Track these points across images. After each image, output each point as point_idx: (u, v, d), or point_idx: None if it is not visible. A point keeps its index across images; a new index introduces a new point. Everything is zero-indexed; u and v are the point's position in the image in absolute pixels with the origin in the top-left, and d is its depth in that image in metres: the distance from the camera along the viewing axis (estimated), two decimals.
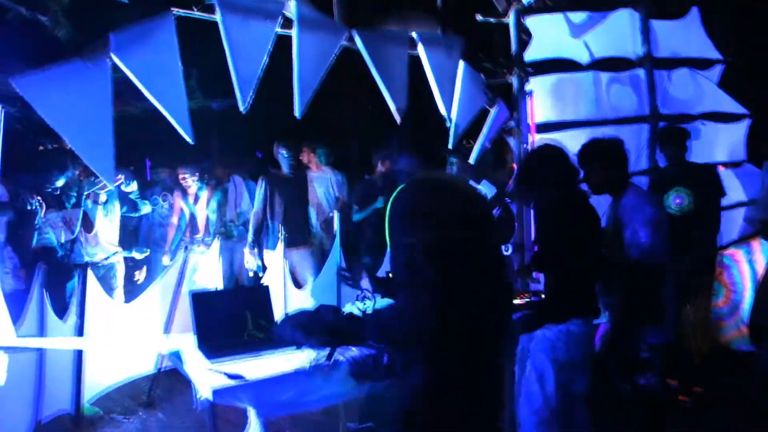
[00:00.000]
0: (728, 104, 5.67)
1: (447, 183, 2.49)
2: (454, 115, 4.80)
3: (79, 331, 3.99)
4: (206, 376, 2.87)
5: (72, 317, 3.98)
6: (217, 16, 3.47)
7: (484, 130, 5.25)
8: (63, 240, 4.58)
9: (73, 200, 4.62)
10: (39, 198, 4.31)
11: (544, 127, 5.34)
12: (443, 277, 2.27)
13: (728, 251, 5.27)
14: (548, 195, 3.31)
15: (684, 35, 5.70)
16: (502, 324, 2.47)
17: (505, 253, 4.83)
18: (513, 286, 3.01)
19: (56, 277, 4.15)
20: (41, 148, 4.81)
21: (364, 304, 3.58)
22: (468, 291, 2.30)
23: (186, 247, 4.73)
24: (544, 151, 3.52)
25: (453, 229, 2.30)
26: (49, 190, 4.45)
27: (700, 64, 5.70)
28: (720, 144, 5.73)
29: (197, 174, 5.84)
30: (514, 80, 5.28)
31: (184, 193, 6.00)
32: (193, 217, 6.01)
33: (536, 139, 5.28)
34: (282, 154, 5.42)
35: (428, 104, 4.74)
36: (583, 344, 3.12)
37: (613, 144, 3.50)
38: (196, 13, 3.61)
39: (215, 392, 2.75)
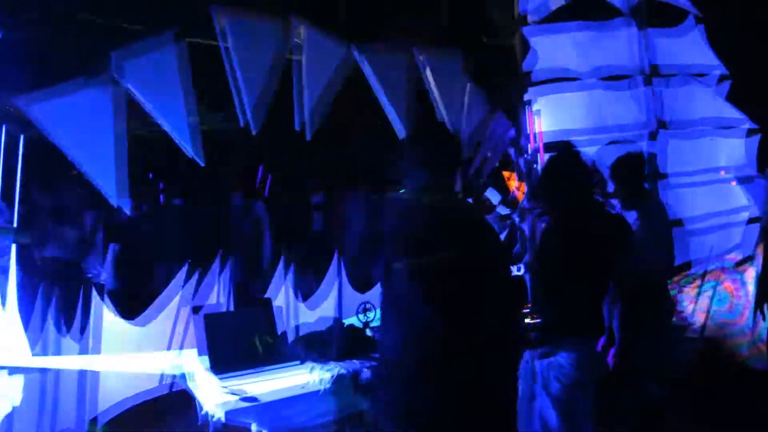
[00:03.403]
0: (732, 115, 5.70)
1: (422, 205, 2.44)
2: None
3: (87, 350, 4.01)
4: (217, 396, 2.91)
5: (84, 335, 4.01)
6: (228, 41, 3.53)
7: (485, 144, 5.28)
8: (72, 259, 4.62)
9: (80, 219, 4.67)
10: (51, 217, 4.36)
11: (549, 142, 5.37)
12: (414, 299, 2.28)
13: (730, 257, 5.32)
14: (558, 208, 3.24)
15: (684, 46, 5.74)
16: (492, 346, 2.39)
17: (517, 273, 4.81)
18: (514, 306, 2.87)
19: (67, 296, 4.19)
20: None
21: (366, 315, 3.63)
22: (441, 314, 2.28)
23: (195, 266, 4.74)
24: (553, 163, 3.41)
25: (419, 252, 2.28)
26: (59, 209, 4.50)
27: (701, 74, 5.74)
28: (724, 153, 5.76)
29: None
30: (515, 94, 5.33)
31: None
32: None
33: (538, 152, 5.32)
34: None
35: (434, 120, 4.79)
36: (575, 375, 3.02)
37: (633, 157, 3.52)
38: (199, 38, 3.68)
39: (228, 413, 2.78)
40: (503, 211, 5.11)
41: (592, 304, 3.12)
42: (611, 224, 3.20)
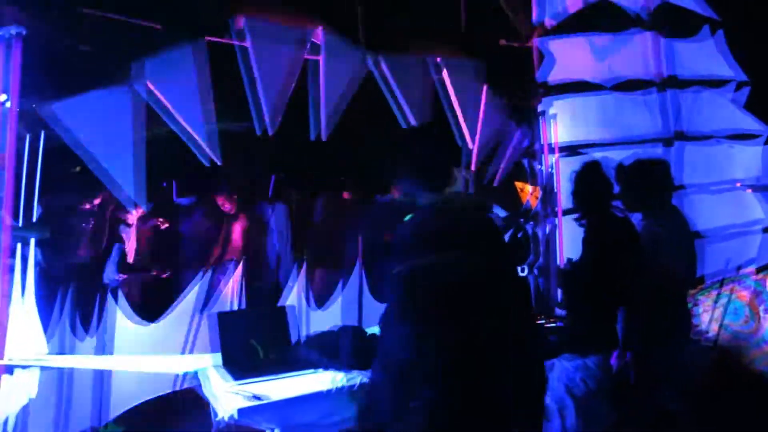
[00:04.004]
0: (751, 124, 5.67)
1: (450, 212, 2.39)
2: (476, 138, 4.87)
3: (101, 350, 4.05)
4: (230, 396, 2.92)
5: (95, 336, 4.04)
6: (247, 43, 3.59)
7: (502, 152, 5.30)
8: (90, 260, 4.68)
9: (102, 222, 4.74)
10: (72, 219, 4.43)
11: (564, 149, 5.37)
12: (433, 308, 2.21)
13: (746, 271, 5.27)
14: (590, 217, 3.27)
15: (703, 55, 5.70)
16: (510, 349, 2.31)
17: (521, 274, 4.83)
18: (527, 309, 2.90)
19: (85, 296, 4.23)
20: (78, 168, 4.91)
21: None
22: (460, 320, 2.22)
23: (213, 268, 4.77)
24: (582, 172, 3.42)
25: (445, 261, 2.23)
26: (80, 211, 4.57)
27: (720, 83, 5.72)
28: (742, 164, 5.71)
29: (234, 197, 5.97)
30: (532, 103, 5.34)
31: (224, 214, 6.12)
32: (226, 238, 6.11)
33: (554, 160, 5.32)
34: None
35: (443, 127, 4.81)
36: (601, 378, 3.05)
37: (653, 163, 3.52)
38: (217, 39, 3.74)
39: (240, 411, 2.79)
40: (503, 213, 5.13)
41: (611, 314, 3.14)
42: (634, 232, 3.21)
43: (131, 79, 3.46)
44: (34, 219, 3.42)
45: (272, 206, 6.15)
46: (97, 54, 3.70)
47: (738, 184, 5.63)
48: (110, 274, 5.00)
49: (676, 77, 5.53)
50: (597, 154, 5.14)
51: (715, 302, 5.25)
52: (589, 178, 3.30)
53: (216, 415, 3.11)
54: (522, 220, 5.36)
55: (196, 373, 3.71)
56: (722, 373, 4.76)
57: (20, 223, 3.32)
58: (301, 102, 3.98)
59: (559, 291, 4.84)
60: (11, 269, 3.17)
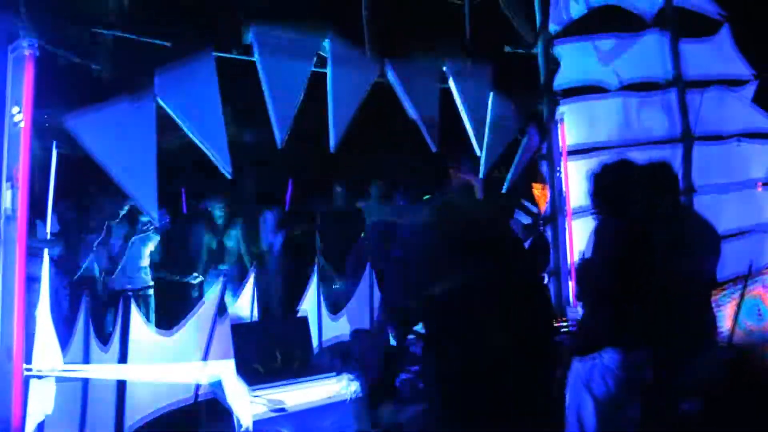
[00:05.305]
0: (764, 122, 5.62)
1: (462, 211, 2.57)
2: (485, 144, 4.86)
3: (122, 360, 4.06)
4: (247, 405, 2.93)
5: (114, 345, 4.06)
6: (255, 56, 3.61)
7: (516, 158, 5.27)
8: (105, 270, 4.71)
9: (117, 232, 4.78)
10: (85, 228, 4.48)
11: (574, 152, 5.35)
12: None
13: None
14: (607, 217, 3.21)
15: (715, 55, 5.68)
16: (525, 350, 2.45)
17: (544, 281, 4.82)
18: (546, 313, 2.95)
19: (100, 306, 4.27)
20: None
21: None
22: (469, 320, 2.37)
23: (224, 276, 4.78)
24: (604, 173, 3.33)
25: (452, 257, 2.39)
26: (95, 221, 4.60)
27: (732, 83, 5.67)
28: (757, 163, 5.66)
29: (227, 205, 5.99)
30: (544, 108, 5.32)
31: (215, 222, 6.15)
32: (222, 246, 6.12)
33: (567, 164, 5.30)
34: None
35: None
36: (622, 376, 2.96)
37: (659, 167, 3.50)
38: (235, 55, 3.77)
39: (255, 422, 2.81)
40: (527, 220, 5.10)
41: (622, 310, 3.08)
42: (649, 234, 3.18)
43: (149, 92, 3.49)
44: (49, 231, 3.45)
45: (283, 213, 6.18)
46: (115, 69, 3.74)
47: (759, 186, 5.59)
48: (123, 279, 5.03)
49: (687, 77, 5.50)
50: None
51: (739, 307, 5.19)
52: (614, 178, 3.25)
53: (238, 421, 3.12)
54: (541, 227, 5.34)
55: (216, 382, 3.71)
56: (738, 372, 4.69)
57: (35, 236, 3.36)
58: (315, 112, 3.99)
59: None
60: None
